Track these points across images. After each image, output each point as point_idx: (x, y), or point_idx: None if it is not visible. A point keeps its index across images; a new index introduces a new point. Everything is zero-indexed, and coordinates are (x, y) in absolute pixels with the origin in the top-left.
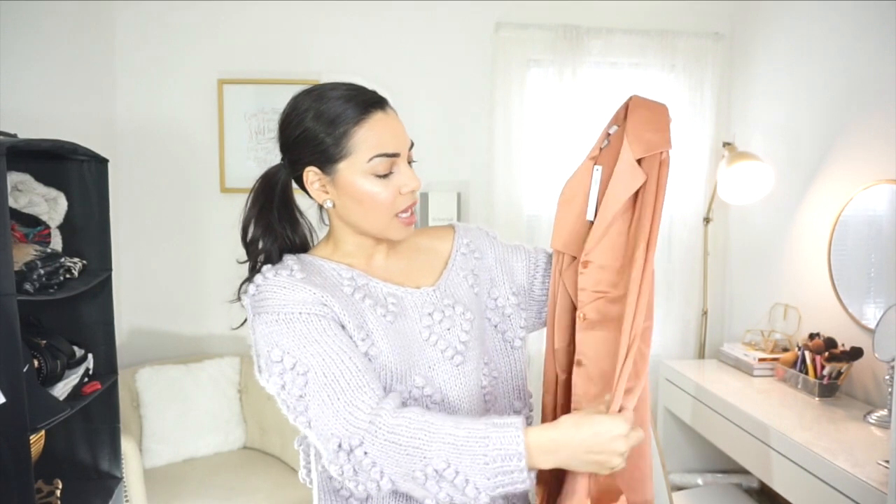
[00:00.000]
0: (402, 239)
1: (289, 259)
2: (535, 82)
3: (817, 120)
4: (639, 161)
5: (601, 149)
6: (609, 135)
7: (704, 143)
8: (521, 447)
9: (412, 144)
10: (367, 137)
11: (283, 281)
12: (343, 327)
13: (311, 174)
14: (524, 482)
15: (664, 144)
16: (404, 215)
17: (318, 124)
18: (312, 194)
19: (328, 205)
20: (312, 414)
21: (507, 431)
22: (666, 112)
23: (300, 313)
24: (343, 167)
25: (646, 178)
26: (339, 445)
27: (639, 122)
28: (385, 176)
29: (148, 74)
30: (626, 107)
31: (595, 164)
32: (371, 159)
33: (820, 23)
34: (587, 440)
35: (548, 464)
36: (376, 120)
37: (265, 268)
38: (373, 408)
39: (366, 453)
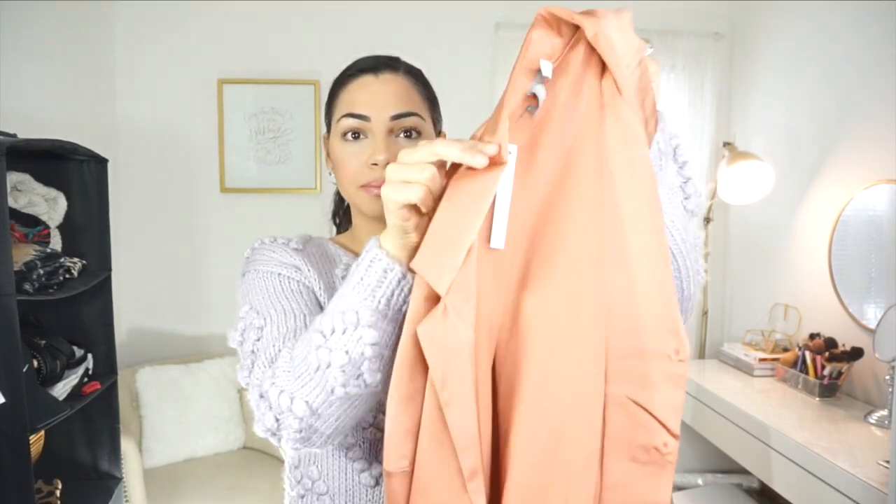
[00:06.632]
0: (373, 214)
1: (297, 234)
2: None
3: (817, 120)
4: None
5: (522, 114)
6: (542, 82)
7: (704, 143)
8: (375, 247)
9: (407, 115)
10: (345, 98)
11: (276, 247)
12: (315, 296)
13: (325, 143)
14: (396, 273)
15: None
16: (374, 188)
17: (329, 93)
18: (327, 165)
19: (329, 173)
20: (255, 370)
21: (369, 249)
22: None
23: (279, 274)
24: (332, 128)
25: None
26: (260, 394)
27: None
28: (355, 140)
29: (148, 74)
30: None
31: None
32: (339, 119)
33: (820, 23)
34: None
35: (393, 239)
36: (361, 83)
37: (261, 238)
38: None
39: (273, 384)
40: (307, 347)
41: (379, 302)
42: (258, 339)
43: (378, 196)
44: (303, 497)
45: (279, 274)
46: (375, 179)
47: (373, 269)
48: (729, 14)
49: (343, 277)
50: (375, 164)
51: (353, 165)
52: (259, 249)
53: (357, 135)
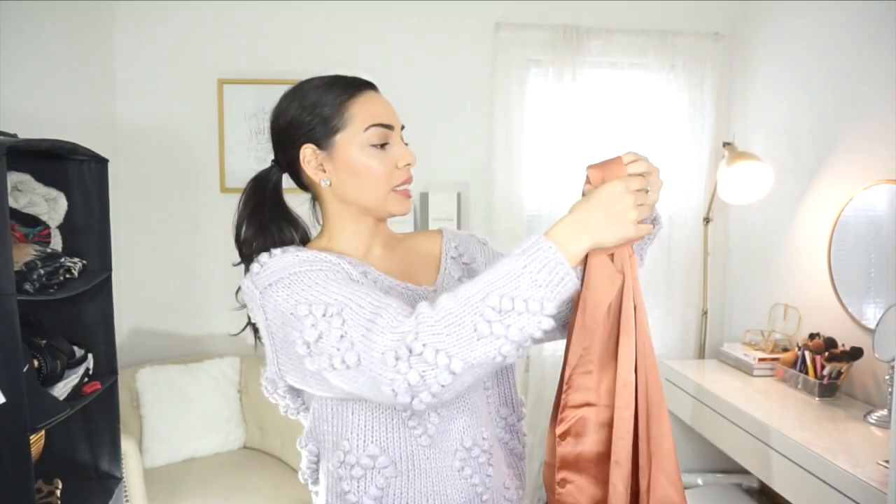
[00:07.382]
0: (402, 213)
1: (290, 247)
2: (535, 82)
3: (817, 120)
4: (610, 256)
5: None
6: None
7: (704, 143)
8: (555, 249)
9: (403, 126)
10: (362, 109)
11: (288, 255)
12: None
13: (307, 151)
14: (573, 279)
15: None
16: (402, 188)
17: (308, 104)
18: (309, 174)
19: (325, 183)
20: (360, 346)
21: (537, 245)
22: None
23: (318, 269)
24: (340, 139)
25: (623, 278)
26: (396, 356)
27: None
28: (381, 148)
29: (148, 74)
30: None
31: None
32: (367, 129)
33: (820, 22)
34: (599, 206)
35: (581, 245)
36: (370, 97)
37: (269, 251)
38: (411, 314)
39: (424, 345)
40: (468, 314)
41: (556, 298)
42: (343, 322)
43: (407, 198)
44: (360, 478)
45: (319, 269)
46: (405, 180)
47: (556, 272)
48: (729, 14)
49: (366, 276)
50: (408, 165)
51: (385, 169)
52: (270, 263)
53: (384, 143)
